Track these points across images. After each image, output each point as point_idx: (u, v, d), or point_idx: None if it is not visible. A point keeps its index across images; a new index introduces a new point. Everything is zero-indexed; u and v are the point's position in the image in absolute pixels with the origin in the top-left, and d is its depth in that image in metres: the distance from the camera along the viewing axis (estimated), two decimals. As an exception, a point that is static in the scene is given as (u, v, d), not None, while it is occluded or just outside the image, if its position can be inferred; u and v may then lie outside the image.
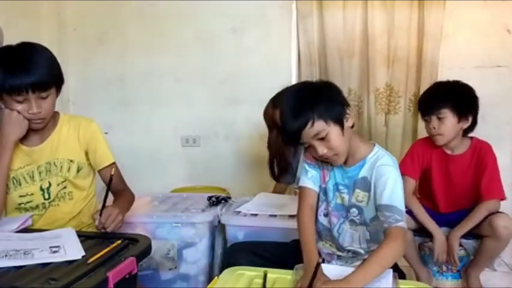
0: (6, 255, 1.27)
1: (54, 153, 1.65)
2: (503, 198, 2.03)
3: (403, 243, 1.33)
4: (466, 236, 2.04)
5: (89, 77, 3.40)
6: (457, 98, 2.04)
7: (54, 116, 1.67)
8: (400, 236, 1.32)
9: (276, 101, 2.18)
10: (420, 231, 2.12)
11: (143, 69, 3.37)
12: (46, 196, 1.66)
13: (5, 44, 2.08)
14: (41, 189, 1.65)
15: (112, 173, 1.57)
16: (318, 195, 1.56)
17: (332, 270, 1.29)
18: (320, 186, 1.55)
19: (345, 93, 3.12)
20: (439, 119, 2.02)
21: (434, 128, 2.04)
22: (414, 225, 2.09)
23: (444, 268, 2.16)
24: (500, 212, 1.98)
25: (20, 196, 1.64)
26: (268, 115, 2.39)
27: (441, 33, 2.98)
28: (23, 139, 1.61)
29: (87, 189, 1.75)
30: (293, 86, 1.56)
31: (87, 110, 3.30)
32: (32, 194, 1.65)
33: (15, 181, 1.63)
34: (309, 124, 1.35)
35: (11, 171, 1.61)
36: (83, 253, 1.30)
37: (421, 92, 2.99)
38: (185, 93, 3.35)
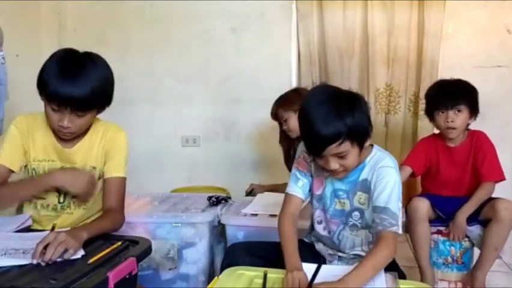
0: (5, 254, 1.27)
1: (82, 159, 1.62)
2: (503, 178, 2.15)
3: (395, 248, 1.32)
4: (470, 222, 2.11)
5: (89, 77, 3.39)
6: (473, 95, 2.16)
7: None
8: (393, 241, 1.32)
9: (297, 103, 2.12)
10: (437, 220, 2.19)
11: (143, 69, 3.37)
12: (61, 200, 1.62)
13: (5, 43, 2.09)
14: (57, 190, 1.60)
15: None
16: (312, 203, 1.56)
17: (330, 270, 1.29)
18: (314, 194, 1.54)
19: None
20: (458, 112, 2.11)
21: (451, 121, 2.11)
22: (433, 214, 2.16)
23: (449, 260, 2.20)
24: (502, 198, 2.07)
25: None
26: (276, 112, 2.39)
27: (441, 33, 2.98)
28: (57, 135, 1.58)
29: (101, 202, 1.66)
30: (323, 89, 1.42)
31: (87, 110, 3.30)
32: (46, 192, 1.60)
33: (34, 173, 1.60)
34: (338, 142, 1.29)
35: (34, 161, 1.59)
36: (82, 253, 1.30)
37: (421, 91, 3.01)
38: (185, 93, 3.35)
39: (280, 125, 2.43)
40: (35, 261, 1.23)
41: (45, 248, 1.24)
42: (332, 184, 1.49)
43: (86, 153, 1.63)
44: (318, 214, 1.55)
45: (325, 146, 1.30)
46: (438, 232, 2.18)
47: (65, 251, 1.25)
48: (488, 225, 2.05)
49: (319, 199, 1.53)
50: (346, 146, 1.31)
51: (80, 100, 1.44)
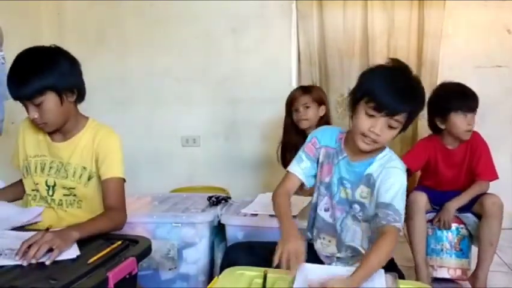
0: (1, 254, 1.27)
1: (70, 156, 1.65)
2: (497, 177, 2.23)
3: (397, 242, 1.35)
4: (463, 211, 2.20)
5: (89, 77, 3.36)
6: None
7: (80, 119, 1.68)
8: (396, 235, 1.35)
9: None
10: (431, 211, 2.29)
11: (143, 69, 3.37)
12: (50, 193, 1.66)
13: (5, 43, 2.09)
14: (46, 184, 1.66)
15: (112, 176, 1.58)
16: (319, 190, 1.57)
17: (329, 270, 1.30)
18: (322, 181, 1.56)
19: (345, 93, 3.13)
20: (474, 116, 2.18)
21: (471, 124, 2.17)
22: (430, 207, 2.26)
23: (447, 246, 2.25)
24: (490, 194, 2.16)
25: (34, 183, 1.68)
26: (299, 97, 2.40)
27: (441, 33, 2.99)
28: (50, 131, 1.64)
29: (99, 203, 1.65)
30: (406, 66, 1.49)
31: (87, 110, 3.28)
32: (37, 184, 1.67)
33: (28, 169, 1.67)
34: (403, 115, 1.37)
35: (27, 157, 1.67)
36: (78, 253, 1.29)
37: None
38: (185, 93, 3.35)
39: (289, 113, 2.44)
40: (17, 259, 1.23)
41: (29, 247, 1.24)
42: (339, 171, 1.51)
43: (74, 151, 1.65)
44: (325, 201, 1.56)
45: (398, 113, 1.36)
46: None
47: (50, 250, 1.24)
48: (480, 222, 2.13)
49: (327, 186, 1.54)
50: (402, 118, 1.39)
51: (23, 86, 1.48)
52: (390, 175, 1.41)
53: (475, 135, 2.24)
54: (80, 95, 1.66)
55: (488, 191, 2.20)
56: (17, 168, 1.75)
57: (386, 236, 1.32)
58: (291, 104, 2.44)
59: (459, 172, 2.26)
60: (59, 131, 1.64)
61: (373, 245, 1.34)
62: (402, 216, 1.38)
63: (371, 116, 1.38)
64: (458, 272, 2.27)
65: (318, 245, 1.58)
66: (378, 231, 1.37)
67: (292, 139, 2.44)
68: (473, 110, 2.16)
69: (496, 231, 2.09)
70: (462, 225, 2.25)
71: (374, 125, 1.38)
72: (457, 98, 2.19)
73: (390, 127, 1.39)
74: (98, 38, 3.39)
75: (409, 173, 2.28)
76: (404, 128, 1.43)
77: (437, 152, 2.27)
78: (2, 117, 2.15)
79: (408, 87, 1.39)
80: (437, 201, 2.24)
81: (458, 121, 2.16)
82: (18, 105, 1.58)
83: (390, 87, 1.38)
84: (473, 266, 2.24)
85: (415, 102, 1.41)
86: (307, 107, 2.37)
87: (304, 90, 2.44)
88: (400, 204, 1.38)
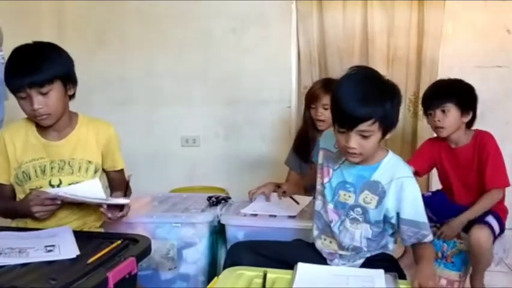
0: (1, 253, 1.27)
1: (72, 153, 1.66)
2: (507, 185, 2.11)
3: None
4: (466, 230, 2.11)
5: (89, 77, 3.38)
6: (460, 93, 2.14)
7: (72, 115, 1.70)
8: (432, 247, 1.47)
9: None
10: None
11: (143, 69, 3.37)
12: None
13: (4, 43, 2.09)
14: (51, 185, 1.65)
15: (127, 178, 1.71)
16: (319, 192, 1.58)
17: (322, 269, 1.30)
18: (321, 183, 1.56)
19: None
20: (443, 112, 2.12)
21: (438, 120, 2.13)
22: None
23: (439, 255, 2.21)
24: (484, 223, 2.01)
25: (31, 189, 1.62)
26: (322, 96, 2.30)
27: (441, 33, 2.98)
28: (42, 132, 1.64)
29: None
30: (367, 69, 1.48)
31: (87, 110, 3.26)
32: (41, 187, 1.63)
33: (25, 175, 1.64)
34: (370, 121, 1.32)
35: (22, 164, 1.63)
36: (77, 252, 1.30)
37: (421, 91, 3.01)
38: (185, 93, 3.35)
39: (308, 108, 2.39)
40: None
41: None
42: (342, 175, 1.50)
43: (75, 146, 1.67)
44: (323, 204, 1.56)
45: (358, 123, 1.33)
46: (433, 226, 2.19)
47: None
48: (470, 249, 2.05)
49: (326, 189, 1.54)
50: (374, 127, 1.34)
51: (35, 73, 1.50)
52: (404, 188, 1.41)
53: (483, 136, 2.14)
54: (75, 91, 1.68)
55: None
56: (5, 181, 1.68)
57: (426, 257, 1.39)
58: (310, 100, 2.37)
59: (468, 174, 2.15)
60: (53, 128, 1.64)
61: (424, 253, 1.40)
62: (428, 226, 1.43)
63: (342, 132, 1.38)
64: (443, 282, 2.20)
65: (318, 245, 1.58)
66: (414, 249, 1.45)
67: (311, 133, 2.40)
68: (437, 107, 2.11)
69: (478, 265, 2.03)
70: (461, 241, 2.16)
71: (348, 140, 1.37)
72: (427, 97, 2.22)
73: (364, 136, 1.35)
74: (98, 38, 3.38)
75: (417, 174, 2.22)
76: (387, 129, 1.39)
77: (441, 151, 2.23)
78: (2, 117, 2.15)
79: (358, 94, 1.34)
80: (436, 209, 2.15)
81: (429, 119, 2.19)
82: (17, 105, 1.58)
83: (341, 101, 1.35)
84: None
85: (372, 105, 1.33)
86: (326, 109, 2.25)
87: (326, 88, 2.28)
88: (423, 216, 1.42)
